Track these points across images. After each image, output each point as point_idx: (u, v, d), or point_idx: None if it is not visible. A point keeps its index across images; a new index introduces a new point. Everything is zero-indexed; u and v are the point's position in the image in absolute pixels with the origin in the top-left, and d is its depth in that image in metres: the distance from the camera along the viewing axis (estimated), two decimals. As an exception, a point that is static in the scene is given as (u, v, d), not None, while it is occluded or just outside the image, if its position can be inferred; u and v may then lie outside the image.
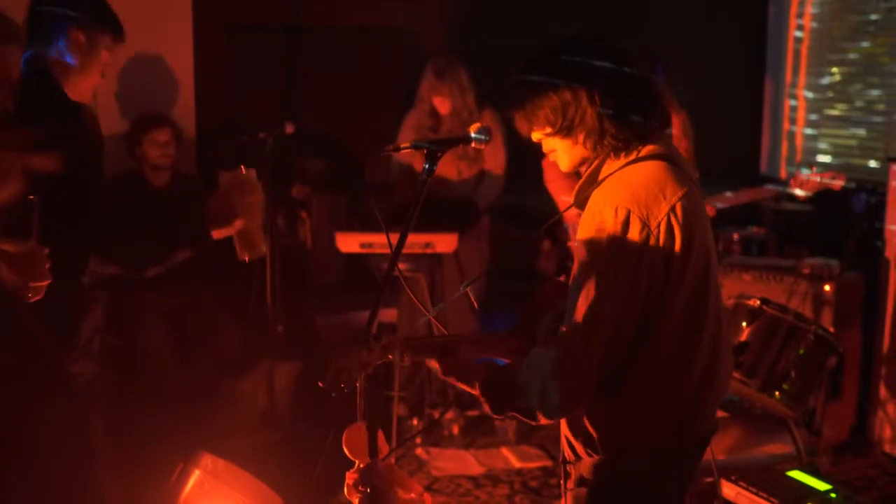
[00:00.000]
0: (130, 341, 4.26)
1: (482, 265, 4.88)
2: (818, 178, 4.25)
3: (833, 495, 3.13)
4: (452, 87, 4.71)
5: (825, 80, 5.78)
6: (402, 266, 2.45)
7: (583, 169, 2.08)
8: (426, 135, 4.72)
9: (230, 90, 5.43)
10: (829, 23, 5.75)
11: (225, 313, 4.65)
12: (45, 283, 2.06)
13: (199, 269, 4.26)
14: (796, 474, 3.26)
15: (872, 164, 5.41)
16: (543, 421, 1.96)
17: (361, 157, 5.69)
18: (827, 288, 4.42)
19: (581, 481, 2.08)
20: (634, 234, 1.90)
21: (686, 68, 4.95)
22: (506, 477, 4.24)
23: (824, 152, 5.79)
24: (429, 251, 4.50)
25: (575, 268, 1.95)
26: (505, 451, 4.49)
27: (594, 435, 2.02)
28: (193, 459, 2.79)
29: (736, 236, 5.01)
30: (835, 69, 5.71)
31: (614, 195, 1.94)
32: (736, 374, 3.50)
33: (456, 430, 4.61)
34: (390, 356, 2.01)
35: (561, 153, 2.07)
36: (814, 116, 5.85)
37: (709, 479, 2.67)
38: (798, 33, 5.89)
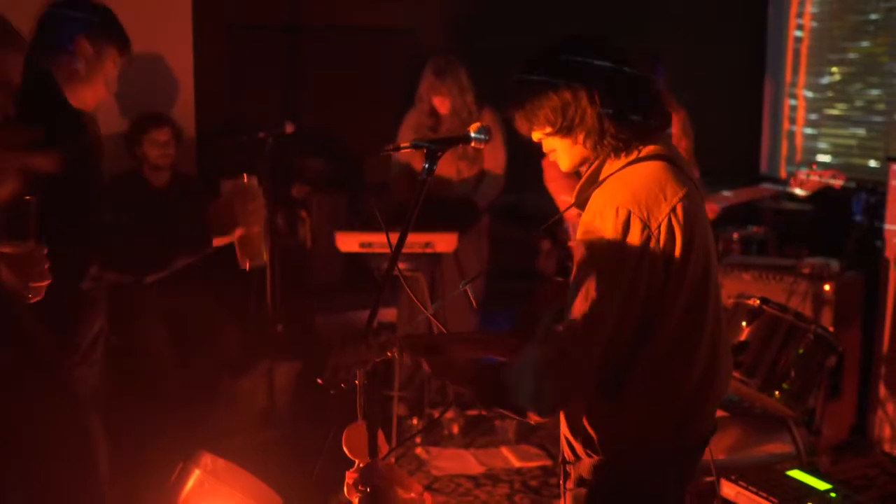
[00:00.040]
0: (130, 341, 4.26)
1: (482, 265, 4.87)
2: (818, 177, 4.25)
3: (833, 495, 3.13)
4: (452, 87, 4.71)
5: (825, 80, 5.78)
6: (401, 265, 2.44)
7: (583, 169, 2.08)
8: (426, 134, 4.70)
9: (230, 90, 5.43)
10: (828, 22, 5.75)
11: (225, 313, 4.65)
12: (45, 283, 2.06)
13: (199, 270, 4.26)
14: (796, 474, 3.25)
15: (872, 163, 5.41)
16: (535, 419, 1.96)
17: (361, 157, 5.69)
18: (827, 287, 4.42)
19: (581, 482, 2.08)
20: (635, 234, 1.90)
21: (686, 68, 4.95)
22: (506, 476, 4.24)
23: (824, 152, 5.79)
24: (428, 251, 4.50)
25: (574, 267, 1.95)
26: (505, 450, 4.49)
27: (594, 435, 2.02)
28: (193, 459, 2.79)
29: (736, 236, 5.01)
30: (835, 69, 5.71)
31: (615, 196, 1.94)
32: (736, 374, 3.49)
33: (456, 429, 4.62)
34: (389, 353, 2.01)
35: (561, 153, 2.07)
36: (814, 116, 5.85)
37: (708, 479, 2.68)
38: (798, 33, 5.89)
